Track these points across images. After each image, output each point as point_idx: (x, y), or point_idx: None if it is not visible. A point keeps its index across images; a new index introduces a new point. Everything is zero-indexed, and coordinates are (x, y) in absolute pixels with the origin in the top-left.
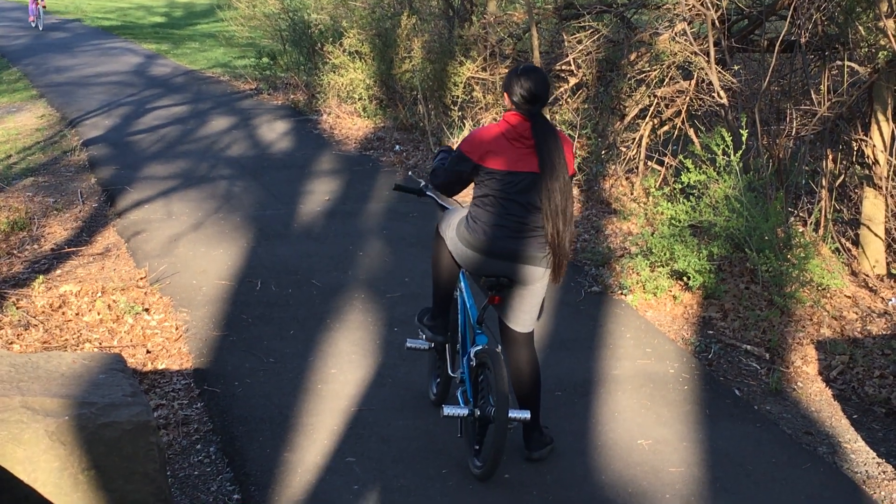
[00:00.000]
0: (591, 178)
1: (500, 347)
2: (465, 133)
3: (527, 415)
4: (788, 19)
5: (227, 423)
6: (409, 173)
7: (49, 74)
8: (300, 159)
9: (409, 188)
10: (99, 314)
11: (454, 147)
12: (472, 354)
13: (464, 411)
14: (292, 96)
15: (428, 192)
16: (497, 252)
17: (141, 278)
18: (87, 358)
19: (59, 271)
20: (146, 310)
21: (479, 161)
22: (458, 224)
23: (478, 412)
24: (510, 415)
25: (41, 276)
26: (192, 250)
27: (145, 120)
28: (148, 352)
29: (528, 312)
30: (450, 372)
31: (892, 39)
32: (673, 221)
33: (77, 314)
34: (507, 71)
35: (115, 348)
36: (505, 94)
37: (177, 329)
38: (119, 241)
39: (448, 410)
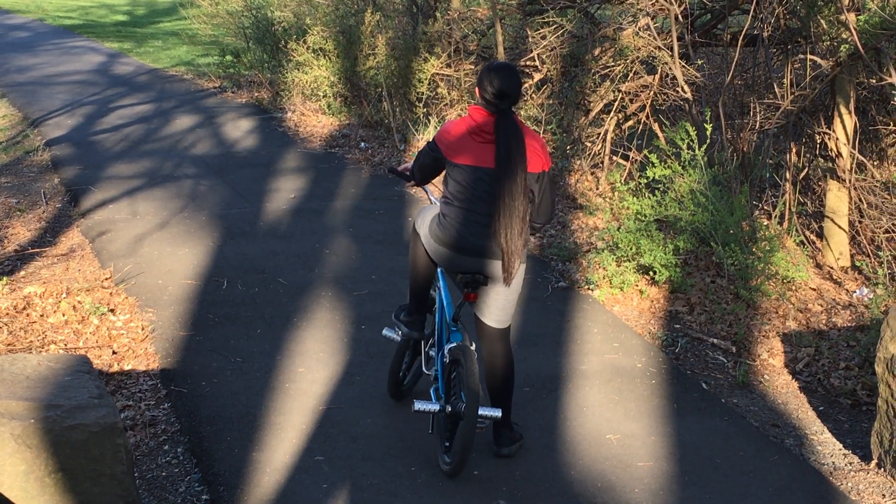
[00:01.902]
0: (556, 173)
1: (473, 345)
2: (431, 129)
3: (497, 413)
4: (751, 13)
5: (195, 424)
6: (393, 170)
7: (10, 74)
8: (265, 157)
9: (402, 173)
10: (64, 315)
11: None
12: (446, 351)
13: (435, 407)
14: (256, 94)
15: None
16: (467, 248)
17: (106, 279)
18: (53, 360)
19: (22, 273)
20: (112, 310)
21: (447, 155)
22: (430, 221)
23: (449, 408)
24: (480, 412)
25: (4, 278)
26: (157, 250)
27: (109, 119)
28: (114, 353)
29: (502, 308)
30: (424, 369)
31: (854, 33)
32: (639, 216)
33: (42, 316)
34: (472, 67)
35: (81, 350)
36: (477, 88)
37: (143, 329)
38: (83, 241)
39: (419, 406)
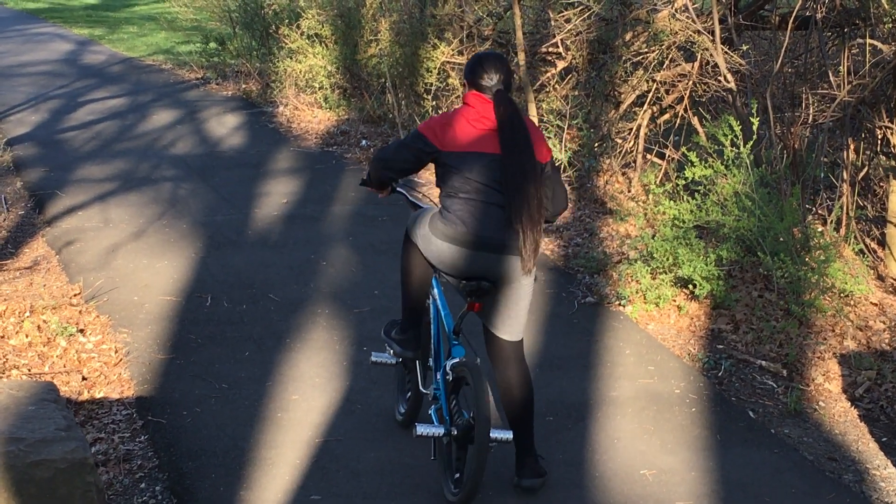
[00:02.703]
0: (582, 174)
1: (478, 360)
2: None
3: (509, 435)
4: None
5: (175, 459)
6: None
7: None
8: (254, 157)
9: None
10: (27, 336)
11: None
12: (447, 368)
13: (439, 430)
14: (244, 86)
15: (399, 189)
16: (482, 243)
17: (75, 295)
18: (15, 387)
19: None
20: (81, 331)
21: (443, 147)
22: (430, 220)
23: (455, 431)
24: (492, 435)
25: None
26: (132, 262)
27: (78, 115)
28: (84, 378)
29: (515, 317)
30: (421, 388)
31: None
32: (676, 222)
33: (2, 337)
34: None
35: (47, 375)
36: (465, 82)
37: (116, 352)
38: (49, 252)
39: (421, 430)
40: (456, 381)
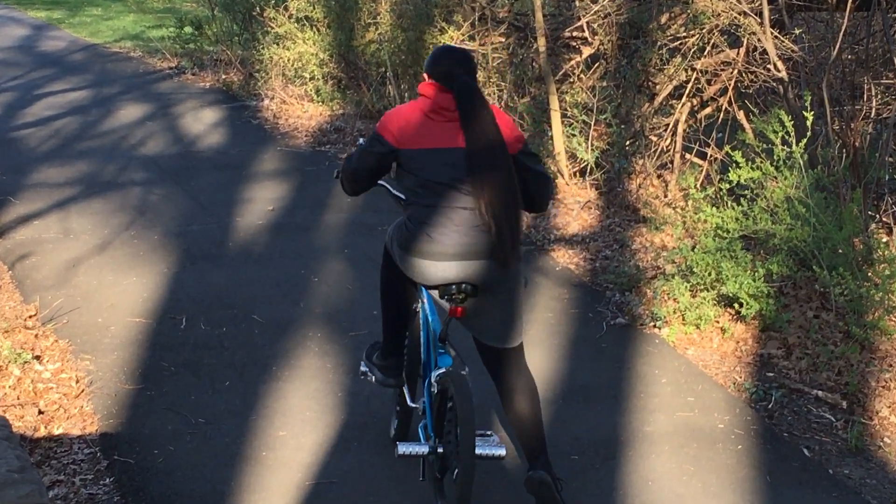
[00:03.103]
0: (612, 176)
1: (466, 369)
2: None
3: (501, 451)
4: None
5: None
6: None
7: None
8: (235, 158)
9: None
10: None
11: None
12: (432, 380)
13: (423, 449)
14: (224, 76)
15: (381, 182)
16: (453, 252)
17: (30, 316)
18: None
19: None
20: (37, 357)
21: (399, 144)
22: (396, 231)
23: (441, 449)
24: (479, 451)
25: None
26: (96, 279)
27: (34, 110)
28: (40, 412)
29: (507, 322)
30: (409, 402)
31: None
32: (719, 232)
33: None
34: (502, 40)
35: None
36: (424, 75)
37: (78, 382)
38: (1, 268)
39: (403, 448)
40: (441, 393)
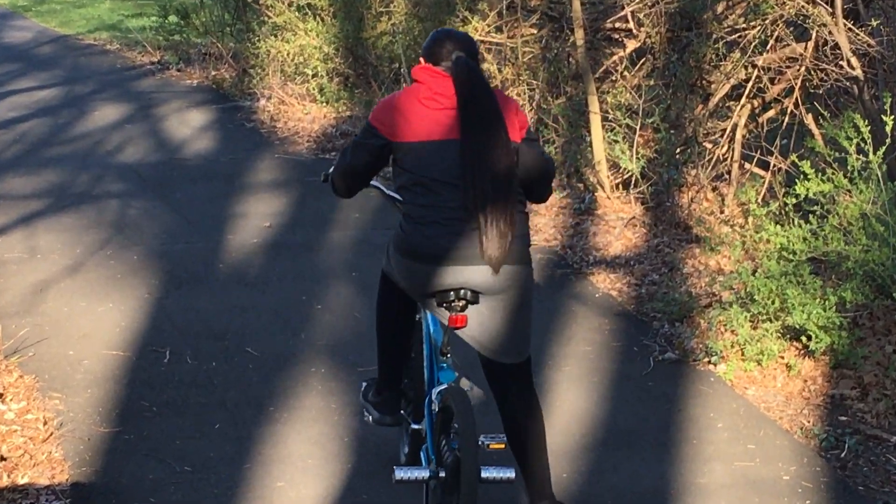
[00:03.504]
0: (660, 189)
1: (472, 387)
2: None
3: (510, 474)
4: None
5: None
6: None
7: None
8: (227, 166)
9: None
10: None
11: None
12: (433, 397)
13: (423, 473)
14: (214, 72)
15: (373, 183)
16: (446, 255)
17: None
18: None
19: None
20: None
21: (392, 135)
22: (392, 236)
23: (442, 473)
24: (484, 475)
25: None
26: (67, 305)
27: None
28: (2, 459)
29: (512, 334)
30: (412, 423)
31: None
32: (784, 253)
33: None
34: (534, 32)
35: None
36: (421, 59)
37: (46, 424)
38: None
39: (401, 474)
40: (443, 411)
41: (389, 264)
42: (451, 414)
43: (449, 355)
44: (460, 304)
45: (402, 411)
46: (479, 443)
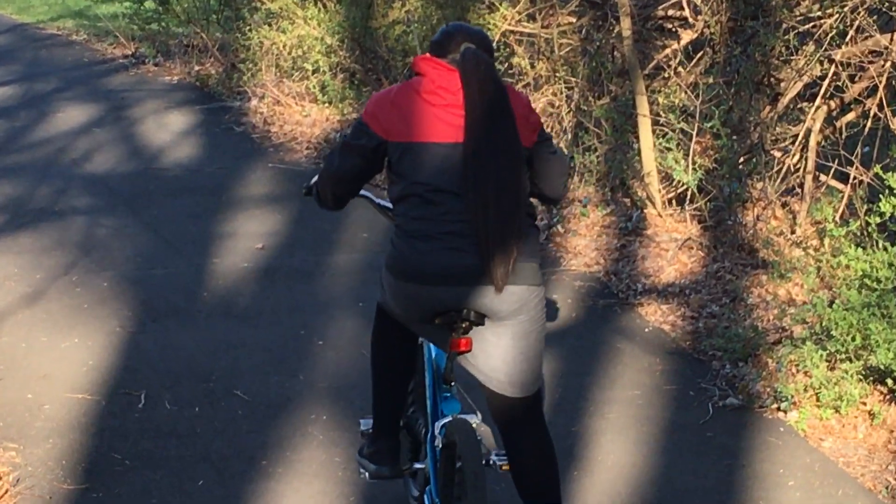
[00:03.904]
0: (720, 205)
1: (478, 416)
2: None
3: None
4: None
5: None
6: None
7: None
8: (213, 178)
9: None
10: None
11: None
12: (436, 431)
13: None
14: (198, 68)
15: (363, 193)
16: (436, 274)
17: None
18: None
19: None
20: None
21: (387, 134)
22: (386, 256)
23: None
24: None
25: None
26: (24, 340)
27: None
28: None
29: (519, 363)
30: (415, 463)
31: None
32: (867, 281)
33: None
34: (571, 22)
35: None
36: (427, 55)
37: (0, 479)
38: None
39: None
40: (448, 448)
41: (384, 292)
42: (455, 450)
43: (454, 384)
44: (464, 326)
45: (401, 461)
46: (491, 463)
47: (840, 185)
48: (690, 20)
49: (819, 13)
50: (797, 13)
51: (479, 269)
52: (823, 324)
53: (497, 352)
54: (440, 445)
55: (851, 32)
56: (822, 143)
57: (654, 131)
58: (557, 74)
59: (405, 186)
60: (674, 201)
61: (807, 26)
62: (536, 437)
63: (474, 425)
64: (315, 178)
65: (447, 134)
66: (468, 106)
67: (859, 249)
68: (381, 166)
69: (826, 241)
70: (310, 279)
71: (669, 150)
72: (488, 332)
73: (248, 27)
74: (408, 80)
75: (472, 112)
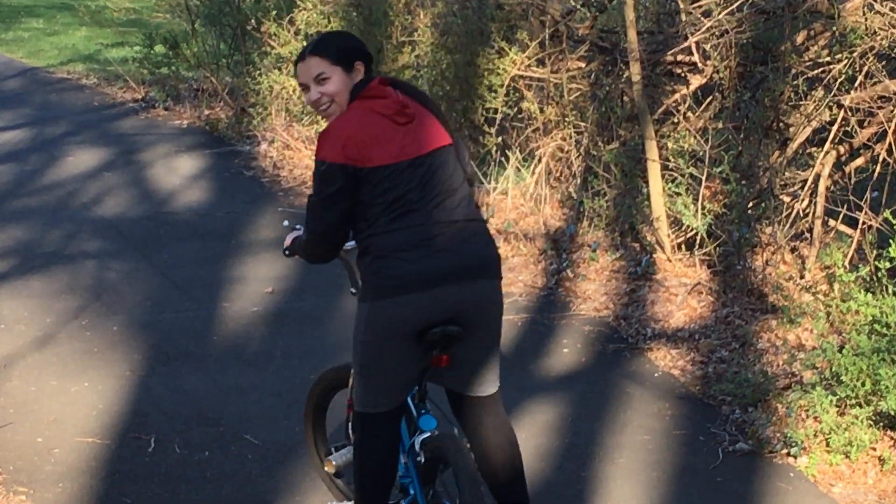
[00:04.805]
0: (730, 251)
1: (456, 430)
2: (510, 172)
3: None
4: None
5: None
6: None
7: None
8: (222, 222)
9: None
10: None
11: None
12: (417, 446)
13: None
14: (208, 112)
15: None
16: (444, 271)
17: None
18: None
19: None
20: None
21: (356, 161)
22: (368, 292)
23: None
24: None
25: None
26: (34, 384)
27: None
28: None
29: (492, 361)
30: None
31: None
32: (877, 326)
33: None
34: (581, 66)
35: None
36: (358, 63)
37: None
38: None
39: None
40: (430, 462)
41: (370, 345)
42: (440, 463)
43: (428, 399)
44: (447, 341)
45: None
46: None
47: (849, 230)
48: (699, 65)
49: (828, 59)
50: (806, 59)
51: (473, 260)
52: (833, 369)
53: (475, 352)
54: (423, 459)
55: (860, 78)
56: (832, 188)
57: (663, 176)
58: (567, 119)
59: (383, 205)
60: (683, 246)
61: (816, 72)
62: (505, 432)
63: (459, 437)
64: (292, 241)
65: (410, 149)
66: (432, 113)
67: (869, 295)
68: (351, 214)
69: (835, 286)
70: (319, 324)
71: (679, 194)
72: (470, 334)
73: (257, 72)
74: (362, 103)
75: (426, 127)
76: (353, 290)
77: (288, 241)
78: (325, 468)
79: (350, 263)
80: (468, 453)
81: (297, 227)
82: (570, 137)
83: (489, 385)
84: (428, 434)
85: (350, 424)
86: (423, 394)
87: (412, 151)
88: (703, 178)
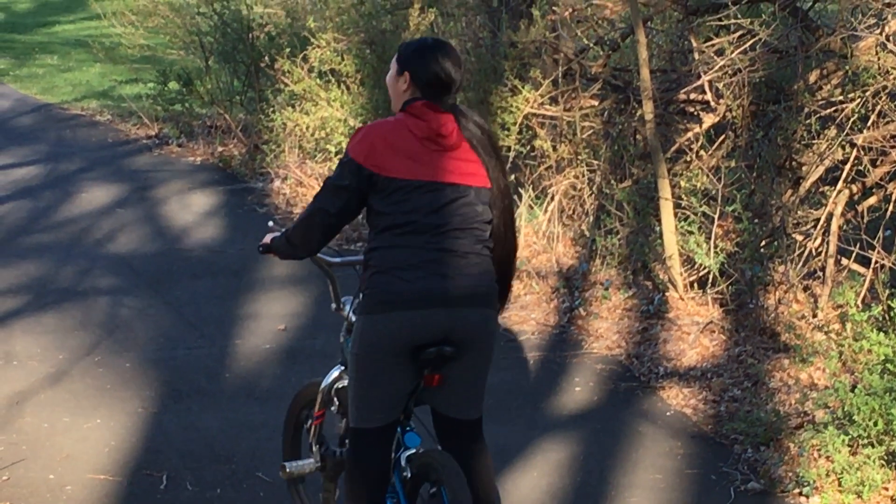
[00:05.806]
0: (742, 289)
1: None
2: (523, 209)
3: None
4: None
5: None
6: None
7: None
8: (236, 259)
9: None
10: None
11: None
12: (403, 462)
13: None
14: (221, 149)
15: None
16: (435, 293)
17: None
18: None
19: None
20: None
21: (374, 166)
22: (363, 305)
23: None
24: None
25: None
26: (47, 420)
27: None
28: None
29: (480, 386)
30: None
31: None
32: (889, 366)
33: None
34: (594, 104)
35: None
36: (406, 73)
37: None
38: None
39: None
40: (415, 479)
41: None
42: (426, 480)
43: (414, 417)
44: (440, 361)
45: None
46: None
47: (862, 269)
48: (712, 104)
49: (841, 98)
50: (819, 97)
51: (471, 290)
52: (845, 408)
53: (465, 377)
54: (409, 475)
55: (873, 117)
56: (844, 226)
57: (675, 214)
58: (580, 157)
59: (390, 220)
60: (696, 284)
61: (829, 111)
62: (483, 460)
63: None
64: (277, 236)
65: (442, 174)
66: (480, 153)
67: (881, 334)
68: (359, 210)
69: (848, 325)
70: (332, 361)
71: (691, 233)
72: (459, 360)
73: (271, 108)
74: (395, 117)
75: (483, 158)
76: (334, 306)
77: (267, 239)
78: (280, 472)
79: (334, 278)
80: (457, 468)
81: (281, 229)
82: (583, 175)
83: (474, 410)
84: (413, 450)
85: (319, 438)
86: (410, 412)
87: (430, 175)
88: (716, 216)
